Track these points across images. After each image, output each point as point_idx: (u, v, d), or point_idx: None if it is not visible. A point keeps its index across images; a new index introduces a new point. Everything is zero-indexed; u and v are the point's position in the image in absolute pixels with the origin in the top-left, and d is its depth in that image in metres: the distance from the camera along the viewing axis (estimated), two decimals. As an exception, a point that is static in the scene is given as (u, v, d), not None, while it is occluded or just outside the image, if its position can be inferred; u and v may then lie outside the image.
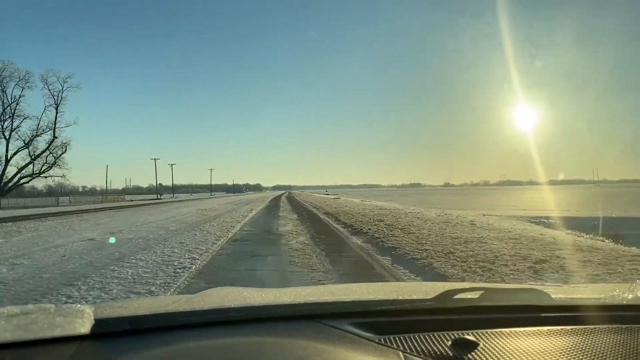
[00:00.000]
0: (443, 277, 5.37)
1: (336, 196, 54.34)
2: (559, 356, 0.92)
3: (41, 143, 51.72)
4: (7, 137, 49.58)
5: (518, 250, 7.25)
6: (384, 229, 11.65)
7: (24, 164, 51.23)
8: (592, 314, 1.12)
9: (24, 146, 50.71)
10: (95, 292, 4.79)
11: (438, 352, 0.93)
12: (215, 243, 8.97)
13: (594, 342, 0.98)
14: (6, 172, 50.43)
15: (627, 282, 3.90)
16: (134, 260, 6.74)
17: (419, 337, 0.98)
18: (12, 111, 48.98)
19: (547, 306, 1.16)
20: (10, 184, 51.32)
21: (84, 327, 0.93)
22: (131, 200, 64.99)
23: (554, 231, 11.36)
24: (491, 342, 0.97)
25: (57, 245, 8.94)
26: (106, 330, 0.96)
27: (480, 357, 0.91)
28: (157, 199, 74.30)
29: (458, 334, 0.99)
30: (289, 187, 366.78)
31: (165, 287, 4.94)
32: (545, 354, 0.92)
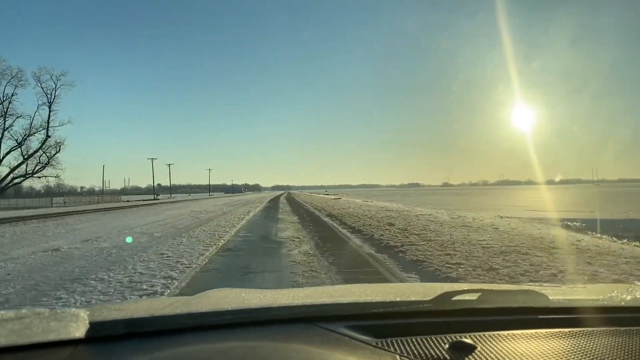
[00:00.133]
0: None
1: (337, 196, 53.03)
2: (557, 359, 0.91)
3: (34, 142, 50.70)
4: (0, 137, 48.27)
5: (576, 266, 5.83)
6: (398, 235, 10.23)
7: (16, 164, 50.11)
8: (590, 315, 1.10)
9: (16, 146, 49.61)
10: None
11: (435, 356, 0.92)
12: (203, 254, 7.53)
13: (592, 345, 0.97)
14: (-2, 172, 49.00)
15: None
16: (92, 282, 5.29)
17: (416, 340, 0.97)
18: (5, 110, 47.78)
19: (545, 308, 1.15)
20: (2, 185, 50.06)
21: (79, 331, 0.92)
22: (127, 201, 64.07)
23: (592, 238, 9.98)
24: (489, 345, 0.96)
25: (11, 258, 7.49)
26: (101, 334, 0.95)
27: None
28: (154, 199, 73.03)
29: (456, 337, 0.98)
30: (288, 187, 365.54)
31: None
32: (543, 357, 0.91)
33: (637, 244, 9.08)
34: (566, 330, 1.05)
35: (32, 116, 49.65)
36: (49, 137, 51.57)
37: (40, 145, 51.01)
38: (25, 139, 49.99)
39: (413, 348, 0.94)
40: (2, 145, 48.28)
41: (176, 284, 5.19)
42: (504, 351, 0.93)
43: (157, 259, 6.97)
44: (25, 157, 50.57)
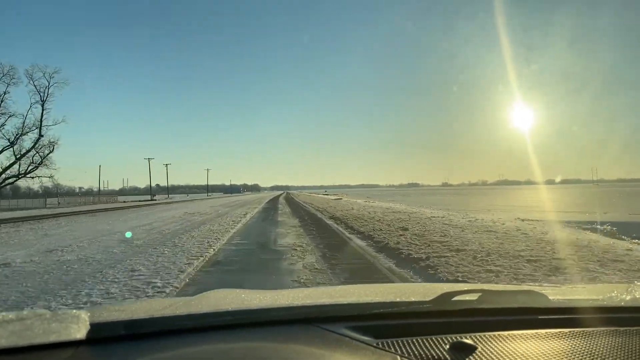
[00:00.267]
0: None
1: (337, 197, 51.67)
2: (557, 359, 0.92)
3: (27, 142, 49.50)
4: (-8, 136, 46.93)
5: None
6: (417, 242, 8.80)
7: (8, 164, 48.76)
8: (590, 316, 1.10)
9: (8, 145, 48.32)
10: None
11: (436, 356, 0.92)
12: (184, 271, 6.08)
13: (592, 345, 0.97)
14: (-10, 172, 47.67)
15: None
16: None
17: (417, 341, 0.97)
18: (-3, 108, 46.44)
19: (545, 308, 1.15)
20: (-6, 184, 48.72)
21: (80, 332, 0.91)
22: (124, 202, 62.94)
23: (635, 244, 8.57)
24: (489, 345, 0.96)
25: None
26: (102, 336, 0.95)
27: None
28: (150, 200, 71.61)
29: (456, 337, 0.98)
30: (287, 188, 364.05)
31: None
32: (543, 357, 0.92)
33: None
34: (566, 330, 1.05)
35: (25, 115, 48.38)
36: (42, 136, 50.29)
37: (33, 144, 49.84)
38: (18, 138, 48.63)
39: (413, 348, 0.94)
40: (-6, 145, 47.06)
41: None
42: (505, 351, 0.93)
43: (124, 279, 5.52)
44: (18, 157, 49.36)
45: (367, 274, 5.96)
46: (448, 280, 5.34)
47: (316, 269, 6.22)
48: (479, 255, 6.91)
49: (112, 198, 75.12)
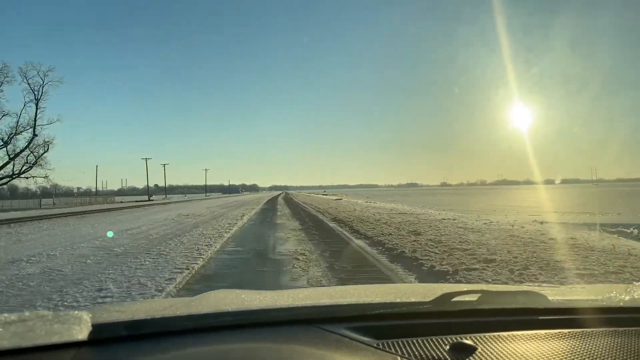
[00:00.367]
0: None
1: (337, 197, 50.62)
2: None
3: (21, 142, 48.39)
4: (-15, 136, 45.78)
5: None
6: (436, 250, 7.73)
7: (2, 164, 47.56)
8: (589, 316, 1.11)
9: (2, 145, 47.18)
10: None
11: (436, 357, 0.92)
12: (163, 289, 4.98)
13: (591, 346, 0.97)
14: (-17, 172, 46.53)
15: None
16: None
17: (417, 342, 0.97)
18: (-10, 107, 45.30)
19: (545, 309, 1.15)
20: (-12, 185, 47.62)
21: (82, 333, 0.91)
22: (121, 202, 61.95)
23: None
24: (489, 346, 0.96)
25: None
26: (103, 336, 0.94)
27: None
28: (147, 200, 70.47)
29: (456, 338, 0.98)
30: (286, 188, 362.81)
31: None
32: (543, 358, 0.92)
33: None
34: (566, 331, 1.05)
35: (19, 114, 47.35)
36: (36, 135, 49.21)
37: (27, 144, 48.73)
38: (12, 137, 47.58)
39: (414, 349, 0.94)
40: (-13, 145, 45.93)
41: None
42: (504, 352, 0.93)
43: (84, 302, 4.42)
44: (12, 156, 48.21)
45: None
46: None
47: (324, 286, 5.12)
48: (516, 268, 5.83)
49: (110, 198, 73.93)
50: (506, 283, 4.93)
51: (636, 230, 12.07)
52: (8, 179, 50.61)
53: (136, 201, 68.58)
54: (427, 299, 1.13)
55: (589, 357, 0.92)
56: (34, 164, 49.99)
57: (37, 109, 47.68)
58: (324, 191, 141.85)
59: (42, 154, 49.94)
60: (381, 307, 1.14)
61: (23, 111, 47.29)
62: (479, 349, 0.93)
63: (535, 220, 14.55)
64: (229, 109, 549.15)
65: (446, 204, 32.43)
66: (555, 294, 1.31)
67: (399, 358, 0.90)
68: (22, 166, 49.57)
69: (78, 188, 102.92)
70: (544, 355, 0.92)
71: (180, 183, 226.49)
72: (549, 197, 43.29)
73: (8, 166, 48.21)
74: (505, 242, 8.47)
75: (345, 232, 11.64)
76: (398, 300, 1.25)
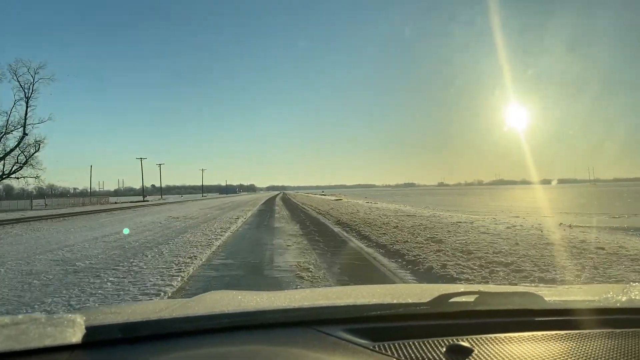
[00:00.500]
0: None
1: (337, 197, 49.25)
2: None
3: (12, 141, 46.68)
4: (-26, 135, 44.18)
5: None
6: (471, 265, 6.29)
7: (-9, 164, 45.88)
8: (586, 318, 1.10)
9: (-9, 144, 45.47)
10: None
11: (433, 359, 0.91)
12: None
13: (588, 347, 0.96)
14: (-28, 172, 44.93)
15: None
16: None
17: (414, 344, 0.96)
18: (-22, 106, 43.70)
19: (541, 310, 1.15)
20: (-23, 186, 46.05)
21: (75, 336, 0.90)
22: (115, 203, 60.54)
23: None
24: (485, 348, 0.95)
25: None
26: (98, 339, 0.93)
27: None
28: (142, 201, 68.92)
29: (453, 340, 0.97)
30: (283, 188, 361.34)
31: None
32: None
33: None
34: (562, 332, 1.04)
35: (9, 112, 45.80)
36: (26, 134, 47.62)
37: (17, 143, 47.12)
38: (1, 136, 46.04)
39: (410, 351, 0.94)
40: (-24, 144, 44.34)
41: None
42: (501, 354, 0.93)
43: None
44: (1, 156, 46.56)
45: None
46: None
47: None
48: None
49: (104, 199, 72.41)
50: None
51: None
52: (-3, 179, 49.09)
53: (131, 202, 67.15)
54: (424, 300, 1.12)
55: (585, 359, 0.91)
56: (24, 164, 48.42)
57: (27, 107, 46.06)
58: (323, 191, 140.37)
59: (33, 153, 48.29)
60: (378, 308, 1.13)
61: (13, 109, 45.69)
62: (476, 351, 0.92)
63: (562, 224, 13.12)
64: (227, 110, 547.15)
65: (450, 205, 31.01)
66: (552, 295, 1.31)
67: None
68: (13, 166, 47.86)
69: (74, 188, 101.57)
70: (541, 357, 0.92)
71: (178, 183, 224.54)
72: (552, 197, 41.98)
73: (-2, 166, 46.70)
74: (550, 253, 7.03)
75: (354, 239, 10.17)
76: (395, 301, 1.23)
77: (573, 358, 0.91)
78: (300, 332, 1.00)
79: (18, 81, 44.95)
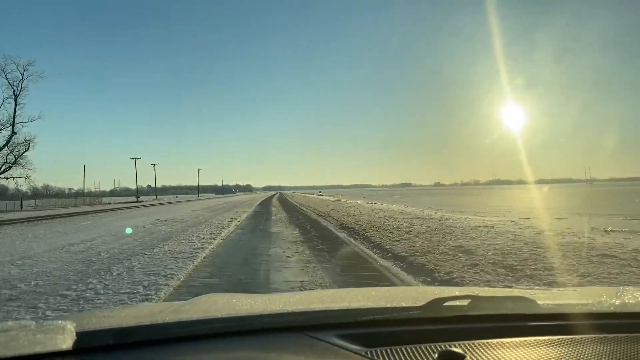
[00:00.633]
0: None
1: (335, 198, 47.81)
2: None
3: (0, 140, 44.71)
4: (-38, 134, 42.55)
5: None
6: (515, 281, 4.86)
7: (-22, 164, 44.14)
8: (579, 322, 1.09)
9: (-21, 143, 43.75)
10: None
11: None
12: None
13: (581, 353, 0.95)
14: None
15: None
16: None
17: (406, 350, 0.95)
18: (-33, 104, 42.02)
19: (534, 314, 1.14)
20: (-36, 185, 44.37)
21: (66, 342, 0.88)
22: (108, 203, 59.11)
23: None
24: (478, 354, 0.94)
25: None
26: (89, 345, 0.92)
27: None
28: (135, 201, 67.28)
29: (445, 346, 0.96)
30: (280, 188, 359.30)
31: None
32: None
33: None
34: (555, 338, 1.03)
35: (-3, 111, 44.18)
36: (15, 133, 46.05)
37: (5, 142, 45.45)
38: (-11, 136, 44.34)
39: (402, 358, 0.92)
40: (-36, 143, 42.70)
41: None
42: None
43: None
44: (-12, 156, 44.78)
45: None
46: None
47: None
48: None
49: (97, 200, 70.89)
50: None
51: None
52: (-15, 178, 47.24)
53: (124, 202, 65.65)
54: (419, 304, 1.12)
55: None
56: (13, 164, 46.73)
57: (16, 105, 44.44)
58: (320, 191, 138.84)
59: (23, 152, 46.70)
60: (372, 312, 1.12)
61: (2, 107, 44.03)
62: (468, 357, 0.92)
63: (595, 228, 11.70)
64: (224, 110, 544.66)
65: (453, 205, 29.60)
66: (546, 298, 1.30)
67: None
68: (1, 166, 46.32)
69: (70, 189, 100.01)
70: None
71: (174, 183, 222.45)
72: (552, 197, 40.88)
73: (-14, 166, 44.96)
74: (619, 269, 5.60)
75: (364, 248, 8.71)
76: (389, 305, 1.22)
77: None
78: (292, 338, 0.99)
79: (6, 78, 43.24)
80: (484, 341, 0.99)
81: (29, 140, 46.70)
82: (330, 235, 11.05)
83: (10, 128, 45.27)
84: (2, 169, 46.59)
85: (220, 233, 11.61)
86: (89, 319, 1.09)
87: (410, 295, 1.59)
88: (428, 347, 0.95)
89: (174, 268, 6.36)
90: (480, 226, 11.81)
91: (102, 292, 4.96)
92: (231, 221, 16.02)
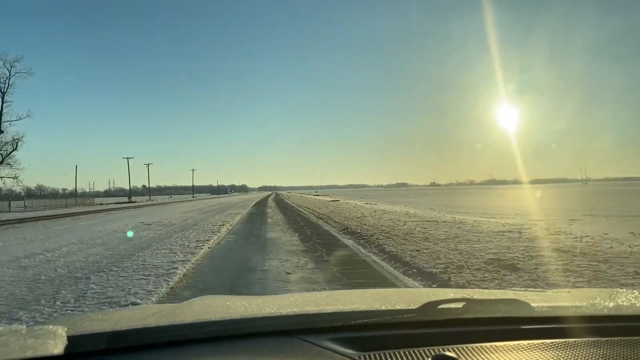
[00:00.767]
0: None
1: (333, 198, 46.37)
2: None
3: (-13, 139, 42.85)
4: (-53, 133, 40.83)
5: None
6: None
7: (-36, 163, 42.31)
8: (572, 325, 1.07)
9: (-35, 142, 41.93)
10: None
11: None
12: None
13: (574, 357, 0.94)
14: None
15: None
16: None
17: (399, 354, 0.94)
18: (-48, 101, 40.30)
19: (528, 318, 1.13)
20: (-51, 186, 42.53)
21: (57, 347, 0.87)
22: (101, 204, 57.52)
23: None
24: (471, 357, 0.93)
25: None
26: (80, 350, 0.90)
27: None
28: (128, 202, 65.56)
29: (438, 350, 0.95)
30: (275, 188, 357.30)
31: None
32: None
33: None
34: (548, 341, 1.01)
35: (-18, 109, 42.40)
36: (2, 132, 44.43)
37: (-9, 142, 43.63)
38: (-25, 134, 42.57)
39: None
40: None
41: None
42: None
43: None
44: (-26, 155, 42.99)
45: None
46: None
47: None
48: None
49: (89, 200, 68.94)
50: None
51: None
52: (-30, 179, 45.28)
53: (117, 203, 63.98)
54: (413, 307, 1.11)
55: None
56: (0, 163, 44.90)
57: (2, 102, 42.72)
58: (316, 191, 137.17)
59: (11, 152, 44.94)
60: (365, 315, 1.11)
61: (-12, 106, 42.20)
62: None
63: (633, 233, 10.31)
64: (220, 109, 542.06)
65: (456, 206, 28.24)
66: (540, 300, 1.29)
67: None
68: (-12, 166, 44.44)
69: (64, 189, 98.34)
70: None
71: (169, 184, 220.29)
72: (553, 197, 39.78)
73: (-29, 166, 43.11)
74: None
75: (378, 260, 7.24)
76: (383, 307, 1.20)
77: None
78: (285, 342, 0.98)
79: (-8, 75, 41.47)
80: (478, 345, 0.98)
81: (17, 139, 44.92)
82: (335, 243, 9.57)
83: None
84: (-13, 169, 44.82)
85: (210, 239, 10.09)
86: (81, 323, 1.10)
87: (405, 297, 1.60)
88: (421, 351, 0.94)
89: (139, 293, 4.86)
90: (504, 231, 10.39)
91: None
92: (223, 224, 14.49)
